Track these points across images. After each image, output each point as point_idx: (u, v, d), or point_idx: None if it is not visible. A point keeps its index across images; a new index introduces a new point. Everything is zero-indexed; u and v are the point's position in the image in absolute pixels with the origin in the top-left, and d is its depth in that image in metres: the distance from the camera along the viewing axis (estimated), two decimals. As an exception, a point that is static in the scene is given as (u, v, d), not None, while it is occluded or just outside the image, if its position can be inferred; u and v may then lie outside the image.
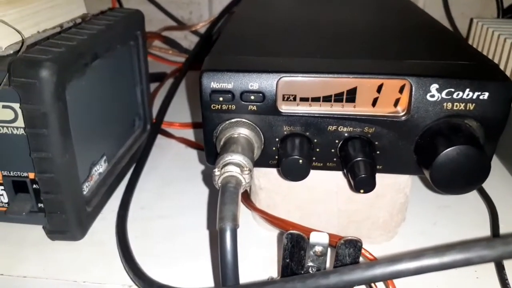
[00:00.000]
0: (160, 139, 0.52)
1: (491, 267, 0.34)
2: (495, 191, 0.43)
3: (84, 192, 0.38)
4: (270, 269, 0.34)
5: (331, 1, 0.52)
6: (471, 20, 0.62)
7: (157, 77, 0.67)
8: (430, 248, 0.20)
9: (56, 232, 0.36)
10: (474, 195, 0.43)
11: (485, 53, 0.56)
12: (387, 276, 0.19)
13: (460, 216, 0.41)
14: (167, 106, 0.56)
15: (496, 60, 0.52)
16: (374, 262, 0.20)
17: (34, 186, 0.36)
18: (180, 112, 0.60)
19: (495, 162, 0.48)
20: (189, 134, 0.55)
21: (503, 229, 0.38)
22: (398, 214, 0.36)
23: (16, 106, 0.32)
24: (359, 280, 0.19)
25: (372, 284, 0.30)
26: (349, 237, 0.28)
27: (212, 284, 0.33)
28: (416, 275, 0.19)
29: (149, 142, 0.49)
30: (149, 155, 0.48)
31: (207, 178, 0.46)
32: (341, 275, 0.19)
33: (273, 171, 0.35)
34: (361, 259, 0.29)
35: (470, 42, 0.61)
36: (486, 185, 0.43)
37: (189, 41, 0.81)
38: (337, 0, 0.52)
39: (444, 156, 0.28)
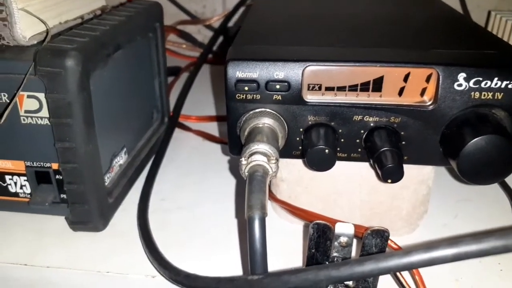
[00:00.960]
0: (177, 132, 0.52)
1: (515, 259, 0.34)
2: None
3: (106, 183, 0.38)
4: (291, 260, 0.34)
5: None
6: (489, 12, 0.61)
7: (172, 71, 0.67)
8: (467, 235, 0.19)
9: (79, 222, 0.37)
10: (495, 188, 0.43)
11: (504, 45, 0.55)
12: (425, 262, 0.19)
13: (481, 209, 0.40)
14: (184, 100, 0.56)
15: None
16: (410, 249, 0.19)
17: (57, 176, 0.36)
18: (196, 105, 0.60)
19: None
20: (206, 127, 0.55)
21: (525, 220, 0.38)
22: (420, 206, 0.36)
23: (41, 96, 0.32)
24: (395, 267, 0.19)
25: (398, 274, 0.30)
26: (376, 227, 0.28)
27: (236, 272, 0.33)
28: (453, 262, 0.19)
29: (167, 134, 0.49)
30: (167, 148, 0.48)
31: (224, 169, 0.46)
32: (377, 262, 0.19)
33: (295, 162, 0.35)
34: (387, 249, 0.29)
35: (488, 35, 0.61)
36: (507, 178, 0.42)
37: (202, 35, 0.81)
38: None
39: (472, 146, 0.28)
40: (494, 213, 0.40)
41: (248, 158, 0.28)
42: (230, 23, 0.74)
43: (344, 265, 0.20)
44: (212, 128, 0.55)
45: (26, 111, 0.33)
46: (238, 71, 0.30)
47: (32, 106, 0.33)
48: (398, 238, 0.36)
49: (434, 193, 0.39)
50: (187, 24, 0.78)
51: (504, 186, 0.42)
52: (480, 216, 0.39)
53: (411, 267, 0.19)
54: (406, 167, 0.33)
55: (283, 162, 0.36)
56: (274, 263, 0.33)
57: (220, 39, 0.75)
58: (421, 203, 0.36)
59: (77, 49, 0.31)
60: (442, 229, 0.38)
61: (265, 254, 0.25)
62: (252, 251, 0.25)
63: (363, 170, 0.34)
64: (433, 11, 0.44)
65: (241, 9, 0.74)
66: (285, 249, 0.36)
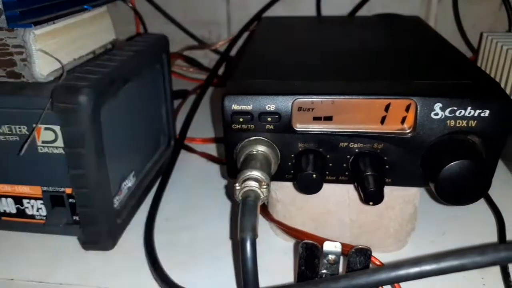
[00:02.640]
0: (183, 154, 0.55)
1: (497, 274, 0.36)
2: (502, 200, 0.44)
3: (115, 206, 0.41)
4: (287, 276, 0.37)
5: (346, 21, 0.55)
6: (481, 34, 0.64)
7: (179, 94, 0.71)
8: (429, 255, 0.22)
9: (90, 242, 0.40)
10: (481, 204, 0.45)
11: (494, 67, 0.57)
12: (392, 279, 0.21)
13: (468, 225, 0.42)
14: (190, 122, 0.59)
15: (505, 74, 0.54)
16: (379, 267, 0.22)
17: (70, 200, 0.39)
18: (201, 127, 0.63)
19: (503, 171, 0.50)
20: (211, 148, 0.58)
21: (509, 236, 0.40)
22: (408, 224, 0.38)
23: (57, 128, 0.36)
24: (365, 283, 0.22)
25: (382, 289, 0.32)
26: (360, 246, 0.31)
27: (234, 290, 0.36)
28: (417, 279, 0.22)
29: (173, 157, 0.52)
30: (173, 169, 0.51)
31: (227, 190, 0.49)
32: (350, 279, 0.22)
33: (289, 185, 0.38)
34: (370, 265, 0.31)
35: (480, 55, 0.63)
36: (493, 194, 0.44)
37: (209, 58, 0.85)
38: (350, 23, 0.55)
39: (448, 170, 0.31)
40: (480, 229, 0.42)
41: (242, 183, 0.31)
42: (235, 48, 0.77)
43: (322, 282, 0.23)
44: (217, 149, 0.58)
45: (43, 142, 0.37)
46: (234, 104, 0.34)
47: (49, 137, 0.36)
48: (388, 255, 0.38)
49: (422, 210, 0.42)
50: (194, 49, 0.82)
51: (490, 203, 0.44)
52: (467, 232, 0.42)
53: (379, 284, 0.22)
54: (392, 188, 0.35)
55: (278, 184, 0.39)
56: (270, 279, 0.36)
57: (225, 62, 0.78)
58: (408, 221, 0.38)
59: (89, 86, 0.35)
60: (430, 246, 0.40)
61: (256, 273, 0.28)
62: (244, 270, 0.27)
63: (351, 192, 0.37)
64: (420, 40, 0.47)
65: (245, 34, 0.78)
66: (281, 265, 0.38)
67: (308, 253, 0.31)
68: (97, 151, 0.36)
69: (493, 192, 0.42)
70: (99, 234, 0.39)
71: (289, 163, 0.35)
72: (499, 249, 0.20)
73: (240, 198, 0.30)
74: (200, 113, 0.65)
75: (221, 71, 0.78)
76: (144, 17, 0.82)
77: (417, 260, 0.21)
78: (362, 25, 0.54)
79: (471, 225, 0.43)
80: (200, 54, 0.84)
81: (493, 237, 0.41)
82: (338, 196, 0.37)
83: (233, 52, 0.78)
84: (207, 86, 0.67)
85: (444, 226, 0.42)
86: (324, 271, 0.32)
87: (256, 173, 0.31)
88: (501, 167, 0.50)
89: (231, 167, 0.36)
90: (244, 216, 0.29)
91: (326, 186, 0.34)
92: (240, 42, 0.78)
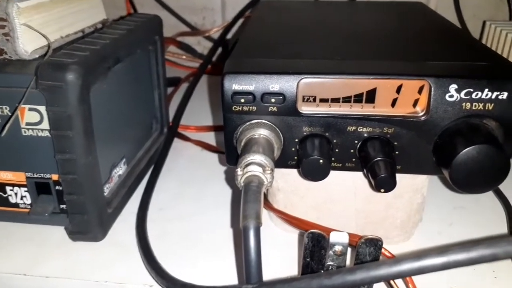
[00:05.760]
0: (176, 142, 0.53)
1: (509, 267, 0.34)
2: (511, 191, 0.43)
3: (105, 194, 0.38)
4: (288, 269, 0.35)
5: (347, 6, 0.52)
6: (484, 22, 0.62)
7: (171, 82, 0.68)
8: (455, 244, 0.20)
9: (78, 232, 0.37)
10: (489, 195, 0.43)
11: (498, 55, 0.56)
12: (415, 271, 0.19)
13: (476, 217, 0.41)
14: (183, 110, 0.56)
15: (510, 62, 0.52)
16: (401, 257, 0.20)
17: (57, 187, 0.36)
18: (195, 115, 0.61)
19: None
20: (205, 137, 0.56)
21: (520, 228, 0.39)
22: (415, 214, 0.36)
23: (42, 108, 0.33)
24: (386, 275, 0.20)
25: (392, 282, 0.30)
26: (370, 236, 0.29)
27: (233, 282, 0.34)
28: (442, 271, 0.20)
29: (166, 144, 0.50)
30: (166, 157, 0.49)
31: (223, 179, 0.47)
32: (368, 270, 0.20)
33: (291, 172, 0.36)
34: (381, 257, 0.29)
35: (483, 44, 0.61)
36: (502, 185, 0.43)
37: (202, 46, 0.82)
38: (353, 5, 0.53)
39: (463, 156, 0.29)
40: (488, 221, 0.40)
41: (244, 168, 0.29)
42: (229, 35, 0.75)
43: (336, 274, 0.21)
44: (211, 137, 0.56)
45: (27, 124, 0.34)
46: (235, 84, 0.31)
47: (33, 118, 0.34)
48: (393, 246, 0.36)
49: (429, 201, 0.40)
50: (187, 35, 0.79)
51: (499, 193, 0.42)
52: (475, 224, 0.40)
53: (402, 276, 0.20)
54: (400, 177, 0.33)
55: (280, 172, 0.36)
56: (271, 272, 0.34)
57: (219, 50, 0.75)
58: (416, 211, 0.36)
59: (77, 63, 0.32)
60: (437, 237, 0.38)
61: (260, 263, 0.25)
62: (247, 260, 0.25)
63: (357, 180, 0.35)
64: (428, 23, 0.45)
65: (240, 21, 0.75)
66: (282, 257, 0.36)
67: (314, 243, 0.29)
68: (86, 134, 0.33)
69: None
70: (88, 224, 0.37)
71: (293, 149, 0.33)
72: (533, 237, 0.18)
73: (242, 184, 0.28)
74: (193, 102, 0.62)
75: (215, 59, 0.75)
76: (135, 2, 0.79)
77: (443, 249, 0.19)
78: (365, 9, 0.51)
79: (479, 216, 0.41)
80: (193, 41, 0.81)
81: (502, 229, 0.39)
82: (344, 184, 0.35)
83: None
84: (200, 74, 0.64)
85: (451, 217, 0.41)
86: (330, 262, 0.30)
87: (259, 158, 0.29)
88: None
89: (231, 152, 0.34)
90: (247, 202, 0.26)
91: (331, 174, 0.32)
92: (235, 29, 0.75)
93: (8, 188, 0.37)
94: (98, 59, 0.35)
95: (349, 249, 0.30)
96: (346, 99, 0.31)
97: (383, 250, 0.32)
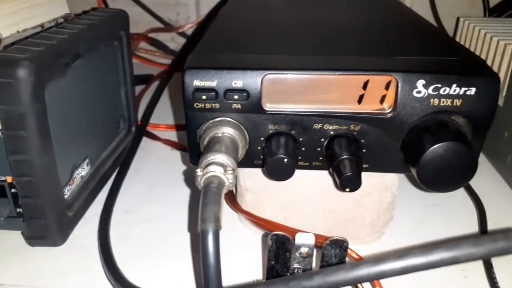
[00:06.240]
0: (145, 141, 0.52)
1: (479, 266, 0.34)
2: (483, 189, 0.42)
3: (66, 196, 0.37)
4: (257, 271, 0.34)
5: (319, 1, 0.51)
6: (458, 19, 0.62)
7: (143, 79, 0.67)
8: (416, 247, 0.19)
9: (36, 237, 0.35)
10: (461, 193, 0.43)
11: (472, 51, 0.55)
12: (373, 276, 0.18)
13: (448, 215, 0.40)
14: (153, 108, 0.55)
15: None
16: (359, 262, 0.19)
17: (13, 190, 0.35)
18: (166, 114, 0.59)
19: (482, 160, 0.48)
20: (175, 135, 0.54)
21: (490, 226, 0.38)
22: (385, 213, 0.36)
23: (-8, 107, 0.31)
24: (343, 281, 0.19)
25: (359, 285, 0.29)
26: (335, 238, 0.28)
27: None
28: (402, 275, 0.19)
29: (134, 144, 0.48)
30: (133, 158, 0.47)
31: (192, 180, 0.45)
32: (325, 276, 0.19)
33: (259, 172, 0.35)
34: (347, 259, 0.28)
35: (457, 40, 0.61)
36: (473, 183, 0.42)
37: (176, 42, 0.80)
38: (323, 1, 0.52)
39: (431, 153, 0.28)
40: (460, 219, 0.40)
41: (204, 169, 0.27)
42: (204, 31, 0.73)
43: (293, 279, 0.20)
44: (182, 136, 0.54)
45: (-23, 123, 0.32)
46: (196, 80, 0.30)
47: (-17, 117, 0.32)
48: (364, 246, 0.36)
49: (401, 199, 0.39)
50: (160, 31, 0.77)
51: (470, 192, 0.42)
52: (447, 222, 0.39)
53: (360, 281, 0.19)
54: (369, 175, 0.32)
55: (248, 171, 0.35)
56: (240, 275, 0.33)
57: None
58: (386, 210, 0.35)
59: (29, 58, 0.30)
60: (408, 236, 0.38)
61: (219, 269, 0.24)
62: (205, 265, 0.24)
63: (325, 179, 0.34)
64: (398, 18, 0.44)
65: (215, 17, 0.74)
66: (251, 260, 0.35)
67: (278, 245, 0.28)
68: (41, 134, 0.32)
69: (472, 180, 0.40)
70: (46, 228, 0.35)
71: (259, 147, 0.32)
72: (495, 239, 0.18)
73: (202, 185, 0.27)
74: (165, 99, 0.61)
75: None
76: (107, -3, 0.77)
77: (402, 253, 0.18)
78: (337, 4, 0.50)
79: (451, 214, 0.40)
80: (167, 38, 0.80)
81: (473, 226, 0.39)
82: (312, 183, 0.34)
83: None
84: (172, 71, 0.63)
85: (423, 216, 0.40)
86: (296, 265, 0.29)
87: (220, 157, 0.28)
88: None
89: (194, 152, 0.32)
90: (206, 205, 0.25)
91: (299, 173, 0.31)
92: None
93: (-40, 192, 0.35)
94: (54, 55, 0.33)
95: (316, 251, 0.29)
96: (312, 96, 0.30)
97: (350, 251, 0.31)
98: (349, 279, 0.18)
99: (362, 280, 0.18)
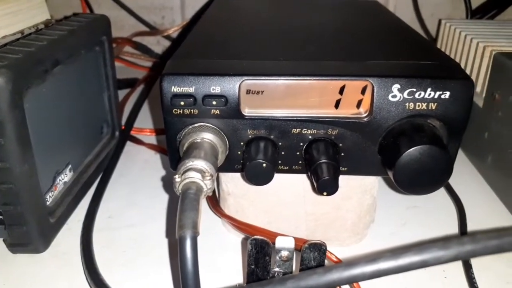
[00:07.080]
0: (129, 146, 0.52)
1: (459, 266, 0.34)
2: (463, 189, 0.43)
3: (48, 203, 0.37)
4: (239, 276, 0.34)
5: (299, 5, 0.52)
6: (440, 21, 0.63)
7: (128, 83, 0.66)
8: (387, 250, 0.19)
9: (17, 245, 0.35)
10: (442, 194, 0.43)
11: (453, 53, 0.56)
12: (344, 280, 0.19)
13: (429, 216, 0.41)
14: (137, 112, 0.55)
15: (463, 60, 0.53)
16: (332, 266, 0.19)
17: (-7, 197, 0.34)
18: (151, 118, 0.59)
19: (463, 160, 0.49)
20: (160, 140, 0.54)
21: (470, 227, 0.39)
22: (366, 215, 0.36)
23: (-29, 115, 0.31)
24: (316, 285, 0.19)
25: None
26: (313, 241, 0.28)
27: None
28: (373, 279, 0.19)
29: (117, 149, 0.48)
30: (117, 163, 0.47)
31: (165, 183, 0.46)
32: (298, 280, 0.19)
33: (240, 176, 0.35)
34: (326, 262, 0.29)
35: (438, 43, 0.62)
36: (454, 183, 0.43)
37: (162, 46, 0.80)
38: (305, 3, 0.52)
39: (407, 156, 0.28)
40: (441, 220, 0.40)
41: (182, 174, 0.28)
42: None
43: (267, 284, 0.20)
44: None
45: (-45, 131, 0.32)
46: (174, 86, 0.30)
47: (-38, 125, 0.32)
48: (345, 249, 0.36)
49: (382, 201, 0.40)
50: (146, 35, 0.77)
51: (451, 192, 0.43)
52: (428, 223, 0.40)
53: (332, 285, 0.19)
54: (348, 178, 0.33)
55: (229, 176, 0.36)
56: (222, 279, 0.33)
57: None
58: (366, 212, 0.36)
59: (7, 66, 0.30)
60: (390, 238, 0.38)
61: (197, 275, 0.24)
62: (183, 272, 0.24)
63: (306, 182, 0.34)
64: (378, 23, 0.45)
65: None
66: (233, 264, 0.35)
67: (258, 250, 0.28)
68: (20, 141, 0.32)
69: (453, 181, 0.41)
70: (28, 235, 0.35)
71: (238, 152, 0.32)
72: (463, 242, 0.18)
73: (180, 191, 0.27)
74: (150, 103, 0.61)
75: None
76: (92, 2, 0.77)
77: (373, 257, 0.19)
78: (317, 7, 0.51)
79: (432, 215, 0.41)
80: (152, 41, 0.80)
81: (454, 227, 0.39)
82: (292, 187, 0.34)
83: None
84: (156, 75, 0.63)
85: (404, 217, 0.41)
86: (276, 269, 0.29)
87: (198, 163, 0.28)
88: (460, 155, 0.49)
89: (174, 157, 0.33)
90: (184, 211, 0.25)
91: (280, 177, 0.31)
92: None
93: None
94: (33, 62, 0.33)
95: (295, 254, 0.29)
96: (289, 101, 0.30)
97: (329, 254, 0.31)
98: (322, 283, 0.19)
99: (335, 284, 0.19)
